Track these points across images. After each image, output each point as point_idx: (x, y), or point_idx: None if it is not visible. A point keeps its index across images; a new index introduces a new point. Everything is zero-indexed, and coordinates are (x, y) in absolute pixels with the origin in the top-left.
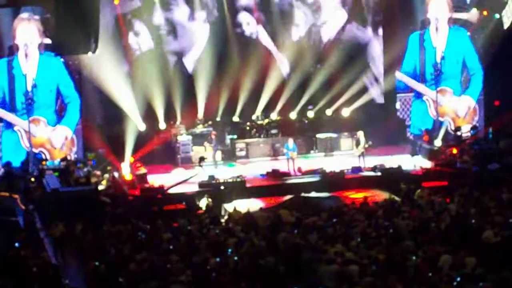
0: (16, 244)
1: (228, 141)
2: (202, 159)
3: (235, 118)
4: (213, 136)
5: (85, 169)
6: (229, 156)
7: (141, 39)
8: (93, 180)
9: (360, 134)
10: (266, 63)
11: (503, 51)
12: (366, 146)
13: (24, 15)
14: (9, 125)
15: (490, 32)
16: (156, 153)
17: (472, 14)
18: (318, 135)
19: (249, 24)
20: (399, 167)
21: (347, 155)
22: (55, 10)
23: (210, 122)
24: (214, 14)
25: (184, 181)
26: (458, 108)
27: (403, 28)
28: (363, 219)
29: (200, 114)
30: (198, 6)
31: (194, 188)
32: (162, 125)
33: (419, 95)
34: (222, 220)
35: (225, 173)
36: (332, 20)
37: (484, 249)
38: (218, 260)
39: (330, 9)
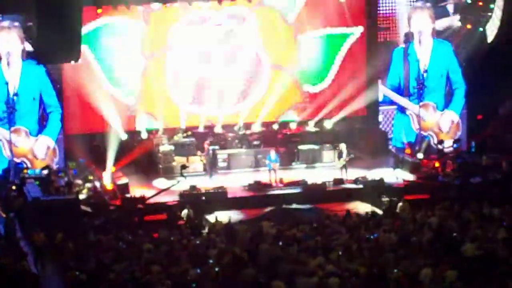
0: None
1: (210, 152)
2: (183, 167)
3: (217, 129)
4: (206, 146)
5: (66, 178)
6: (211, 166)
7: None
8: (74, 189)
9: (342, 146)
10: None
11: (486, 65)
12: (347, 159)
13: (4, 23)
14: None
15: (474, 46)
16: (137, 163)
17: (454, 20)
18: (300, 147)
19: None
20: (381, 179)
21: (329, 167)
22: (36, 19)
23: (190, 133)
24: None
25: (165, 190)
26: (441, 123)
27: (386, 40)
28: (345, 231)
29: (182, 124)
30: None
31: (175, 198)
32: (143, 135)
33: (402, 109)
34: (203, 231)
35: (206, 183)
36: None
37: (464, 263)
38: (198, 271)
39: None
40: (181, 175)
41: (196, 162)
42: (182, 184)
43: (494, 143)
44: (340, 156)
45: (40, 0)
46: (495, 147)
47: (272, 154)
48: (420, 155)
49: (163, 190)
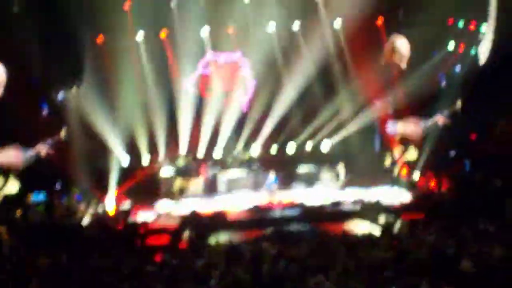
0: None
1: (210, 175)
2: (182, 191)
3: (217, 152)
4: (203, 169)
5: (70, 203)
6: (211, 189)
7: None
8: (77, 214)
9: (340, 166)
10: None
11: (479, 86)
12: (345, 179)
13: None
14: None
15: (467, 68)
16: (139, 188)
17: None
18: (299, 169)
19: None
20: (378, 200)
21: (328, 188)
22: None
23: (191, 158)
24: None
25: (166, 213)
26: None
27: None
28: (343, 250)
29: (183, 149)
30: None
31: (177, 221)
32: (145, 160)
33: None
34: (205, 253)
35: (206, 206)
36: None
37: (462, 279)
38: None
39: None
40: (180, 198)
41: (196, 185)
42: (182, 207)
43: (488, 162)
44: (337, 177)
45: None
46: (489, 165)
47: (271, 176)
48: (416, 175)
49: (161, 214)
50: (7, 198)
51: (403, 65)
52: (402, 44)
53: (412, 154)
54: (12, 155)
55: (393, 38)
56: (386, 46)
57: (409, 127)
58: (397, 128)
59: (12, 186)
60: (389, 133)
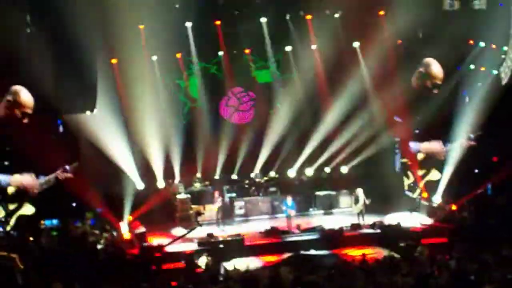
0: None
1: (227, 199)
2: (198, 214)
3: (234, 176)
4: (216, 195)
5: (83, 228)
6: (228, 214)
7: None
8: (92, 239)
9: (359, 191)
10: (264, 120)
11: (500, 107)
12: (367, 202)
13: None
14: None
15: (488, 88)
16: (154, 212)
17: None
18: (317, 193)
19: None
20: (398, 224)
21: (346, 213)
22: (54, 70)
23: (208, 182)
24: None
25: (182, 237)
26: None
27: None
28: (363, 276)
29: (199, 172)
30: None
31: (193, 246)
32: (160, 184)
33: None
34: (221, 279)
35: (224, 231)
36: None
37: None
38: None
39: None
40: (197, 222)
41: (213, 210)
42: (199, 232)
43: (510, 185)
44: (356, 201)
45: (57, 52)
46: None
47: (289, 200)
48: (436, 199)
49: (178, 238)
50: (20, 222)
51: (436, 90)
52: (437, 70)
53: (435, 175)
54: (29, 180)
55: (428, 62)
56: (419, 70)
57: (433, 147)
58: (421, 147)
59: (27, 209)
60: (412, 151)
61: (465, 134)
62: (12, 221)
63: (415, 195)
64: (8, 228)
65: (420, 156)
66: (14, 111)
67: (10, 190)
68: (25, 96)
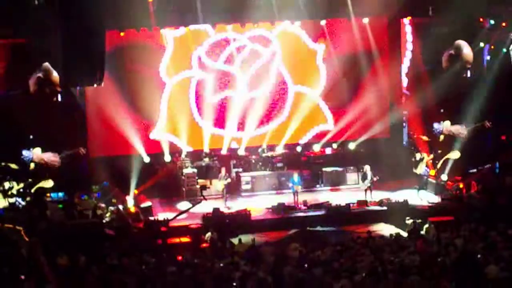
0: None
1: (233, 175)
2: (203, 188)
3: (241, 152)
4: (223, 172)
5: (89, 201)
6: (235, 189)
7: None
8: (98, 212)
9: (367, 168)
10: (275, 96)
11: (510, 86)
12: (375, 179)
13: None
14: None
15: (498, 65)
16: (161, 186)
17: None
18: (324, 169)
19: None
20: (406, 201)
21: (353, 189)
22: (61, 44)
23: (215, 157)
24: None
25: (186, 211)
26: None
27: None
28: (369, 253)
29: (206, 147)
30: None
31: (199, 221)
32: (167, 158)
33: None
34: (227, 254)
35: (230, 207)
36: None
37: (488, 285)
38: None
39: None
40: (202, 196)
41: (219, 184)
42: (205, 207)
43: None
44: (364, 178)
45: (64, 26)
46: None
47: (295, 176)
48: (444, 177)
49: (183, 212)
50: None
51: (468, 72)
52: (468, 53)
53: (455, 154)
54: (50, 156)
55: (459, 44)
56: (449, 52)
57: (454, 128)
58: (443, 128)
59: (47, 182)
60: (435, 134)
61: (483, 115)
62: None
63: (418, 171)
64: (28, 199)
65: (441, 138)
66: (44, 88)
67: (32, 165)
68: (56, 74)
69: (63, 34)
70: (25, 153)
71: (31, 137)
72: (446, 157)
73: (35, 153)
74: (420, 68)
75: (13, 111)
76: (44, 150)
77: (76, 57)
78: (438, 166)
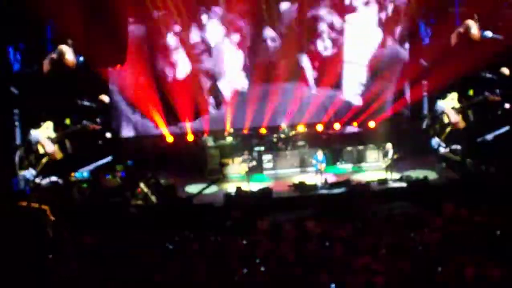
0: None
1: (255, 154)
2: (222, 165)
3: (262, 130)
4: (245, 156)
5: (114, 181)
6: (257, 168)
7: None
8: (122, 191)
9: (388, 146)
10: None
11: None
12: (395, 157)
13: None
14: None
15: None
16: (184, 164)
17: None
18: (345, 147)
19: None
20: (426, 178)
21: (374, 167)
22: (85, 25)
23: (237, 134)
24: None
25: (206, 188)
26: None
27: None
28: (389, 230)
29: (228, 126)
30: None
31: (221, 200)
32: (190, 137)
33: None
34: (249, 232)
35: (252, 185)
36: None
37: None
38: (246, 271)
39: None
40: (222, 174)
41: (242, 163)
42: (227, 186)
43: None
44: (385, 155)
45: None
46: None
47: (319, 154)
48: (464, 153)
49: (203, 189)
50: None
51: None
52: (476, 33)
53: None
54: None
55: (468, 24)
56: (458, 30)
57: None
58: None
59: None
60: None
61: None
62: (41, 165)
63: (436, 144)
64: (39, 169)
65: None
66: (56, 69)
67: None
68: (70, 57)
69: (86, 18)
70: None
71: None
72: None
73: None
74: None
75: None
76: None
77: (99, 37)
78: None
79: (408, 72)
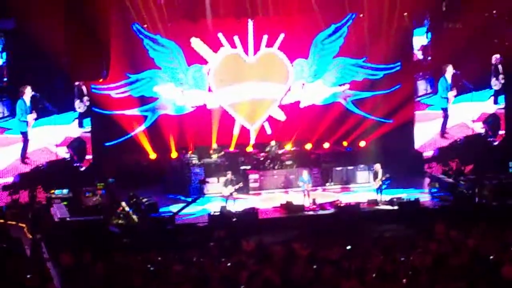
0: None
1: (241, 172)
2: (203, 182)
3: (249, 148)
4: (229, 176)
5: (94, 199)
6: (242, 187)
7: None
8: (103, 209)
9: (377, 166)
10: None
11: None
12: (384, 178)
13: None
14: None
15: None
16: (167, 183)
17: None
18: (334, 167)
19: None
20: (417, 200)
21: (364, 188)
22: (67, 38)
23: (223, 152)
24: None
25: (187, 206)
26: None
27: None
28: (379, 253)
29: (214, 143)
30: None
31: (205, 219)
32: (173, 154)
33: None
34: (234, 253)
35: (237, 205)
36: None
37: (502, 285)
38: None
39: None
40: (201, 192)
41: (226, 182)
42: (212, 205)
43: None
44: (375, 176)
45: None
46: None
47: (305, 175)
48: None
49: (187, 205)
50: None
51: None
52: None
53: None
54: None
55: None
56: None
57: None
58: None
59: None
60: None
61: None
62: None
63: None
64: None
65: None
66: None
67: None
68: None
69: (67, 30)
70: None
71: None
72: None
73: None
74: None
75: None
76: None
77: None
78: None
79: None
